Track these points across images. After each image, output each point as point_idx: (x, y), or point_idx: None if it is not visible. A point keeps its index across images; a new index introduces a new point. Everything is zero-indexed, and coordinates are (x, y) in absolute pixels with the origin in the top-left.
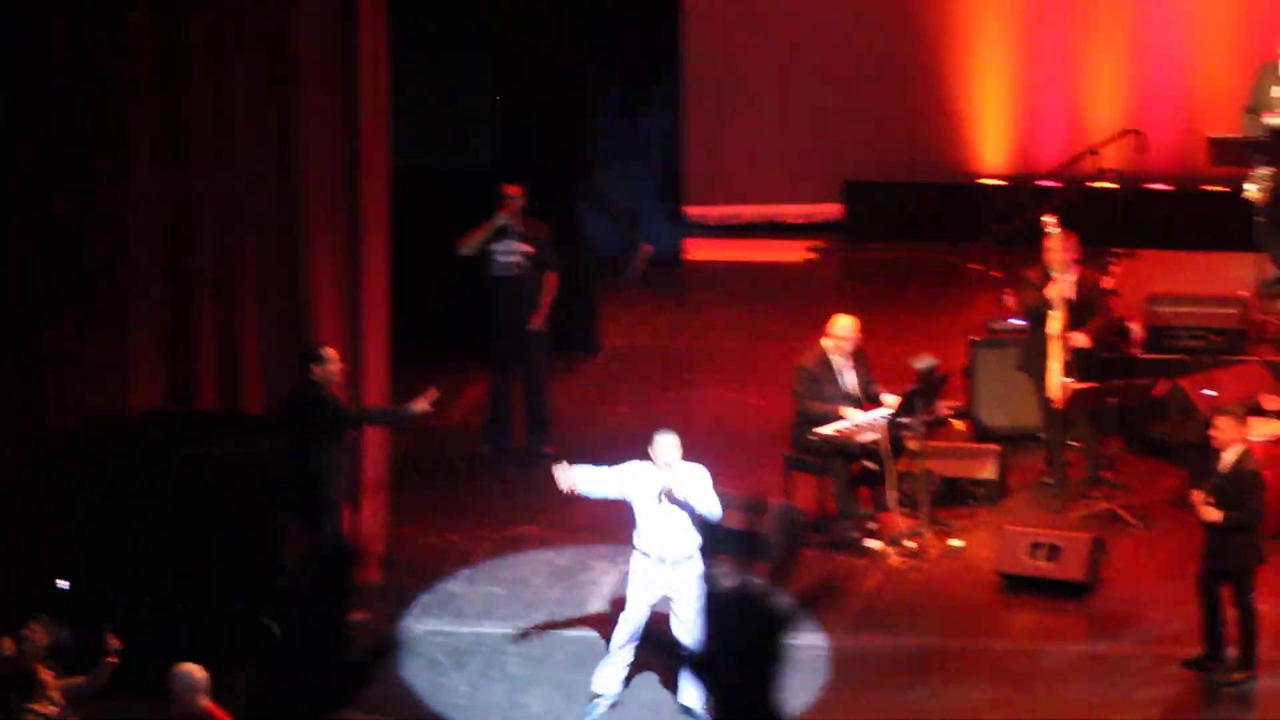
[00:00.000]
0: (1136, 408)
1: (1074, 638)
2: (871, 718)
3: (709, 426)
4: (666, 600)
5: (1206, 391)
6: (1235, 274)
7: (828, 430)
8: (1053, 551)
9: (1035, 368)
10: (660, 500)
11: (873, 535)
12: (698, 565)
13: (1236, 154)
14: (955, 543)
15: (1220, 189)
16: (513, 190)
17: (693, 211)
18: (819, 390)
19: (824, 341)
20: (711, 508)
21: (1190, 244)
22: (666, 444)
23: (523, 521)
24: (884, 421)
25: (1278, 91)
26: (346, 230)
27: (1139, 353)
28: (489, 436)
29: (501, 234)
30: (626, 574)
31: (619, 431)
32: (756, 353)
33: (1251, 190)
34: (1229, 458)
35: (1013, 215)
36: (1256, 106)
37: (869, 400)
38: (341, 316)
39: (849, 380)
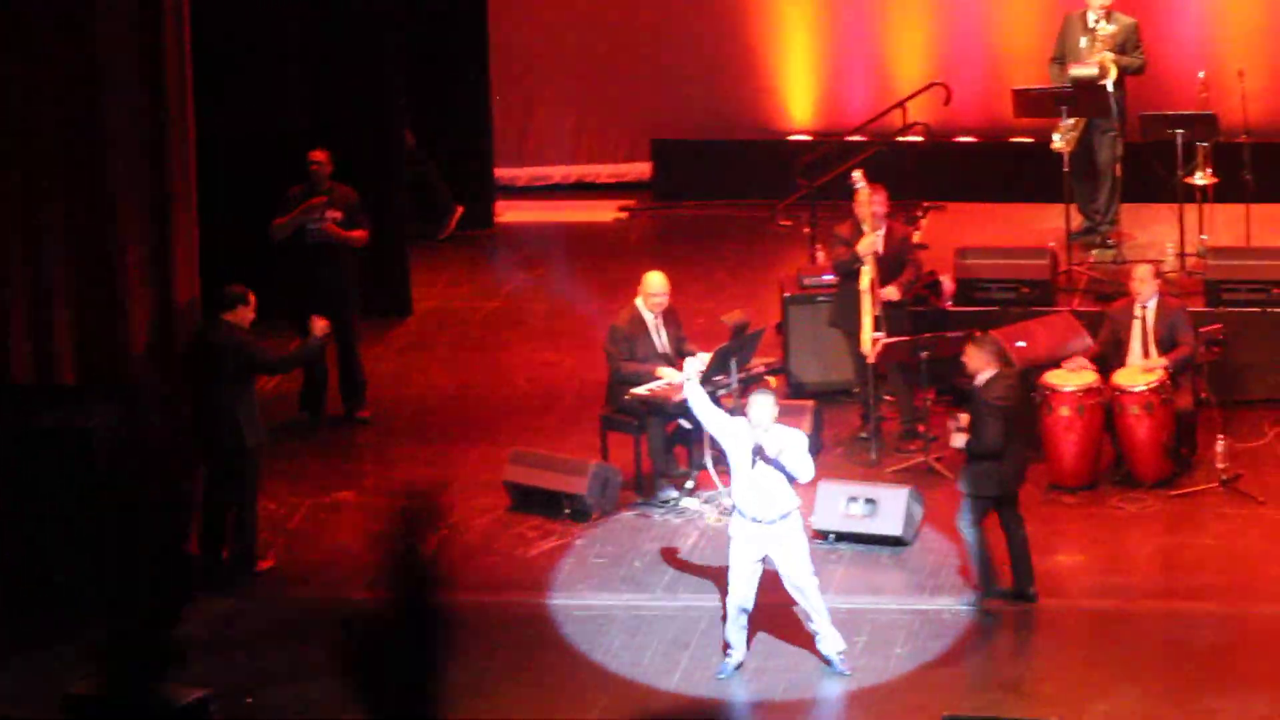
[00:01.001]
0: (949, 360)
1: (892, 591)
2: (691, 677)
3: (523, 389)
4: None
5: (1018, 344)
6: (1044, 225)
7: (642, 390)
8: (869, 505)
9: (847, 323)
10: (754, 460)
11: (690, 494)
12: (796, 523)
13: (1042, 105)
14: None
15: (1027, 140)
16: (318, 156)
17: (502, 173)
18: (633, 350)
19: (637, 301)
20: (803, 470)
21: (998, 196)
22: (762, 405)
23: (340, 488)
24: (699, 380)
25: (1084, 42)
26: (153, 198)
27: (950, 306)
28: (305, 403)
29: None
30: (450, 537)
31: (433, 395)
32: (569, 314)
33: (1058, 141)
34: (977, 385)
35: (822, 171)
36: (1062, 57)
37: (682, 359)
38: (151, 283)
39: (662, 339)
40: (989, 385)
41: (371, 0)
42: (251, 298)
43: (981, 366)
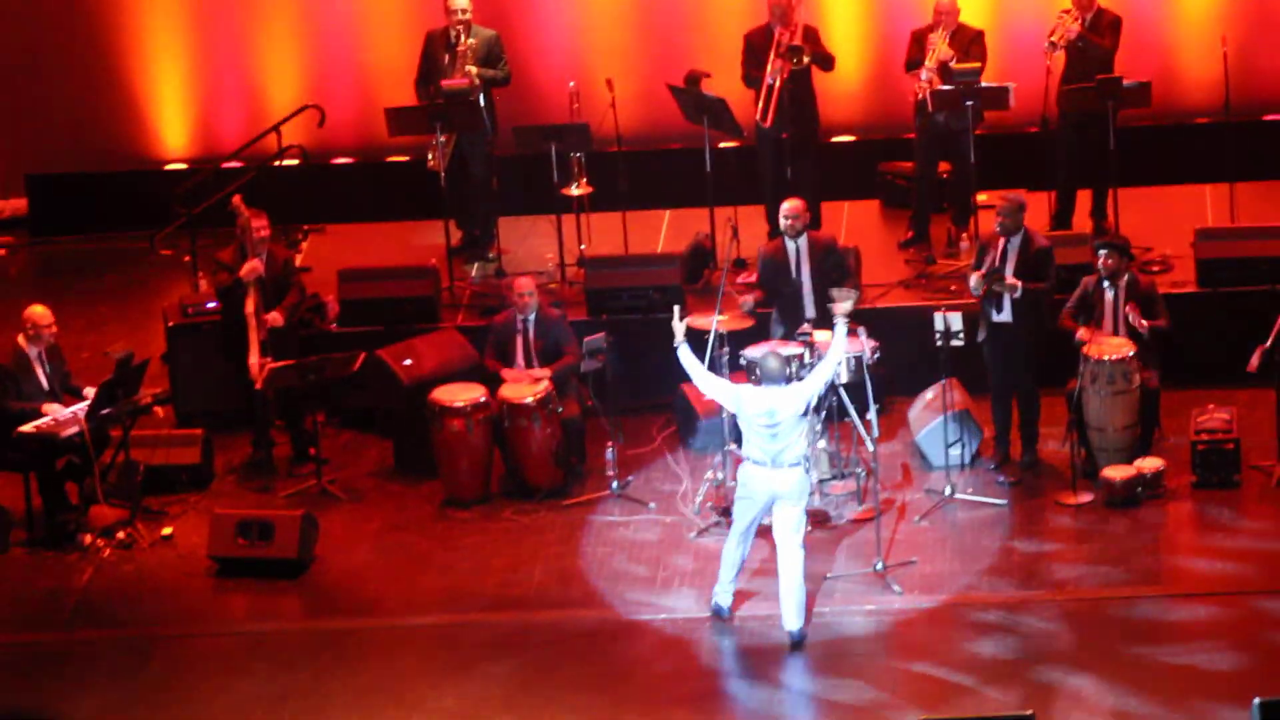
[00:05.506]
0: (337, 382)
1: (292, 617)
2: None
3: None
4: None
5: (405, 362)
6: (424, 243)
7: (29, 427)
8: (264, 531)
9: (233, 349)
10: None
11: (83, 529)
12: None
13: (415, 122)
14: (166, 531)
15: (403, 159)
16: None
17: None
18: (17, 388)
19: (20, 338)
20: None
21: (378, 216)
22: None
23: None
24: (85, 414)
25: (448, 59)
26: None
27: (335, 328)
28: None
29: None
30: None
31: None
32: None
33: (432, 158)
34: None
35: (200, 198)
36: (427, 75)
37: (68, 394)
38: None
39: (53, 375)
40: None
41: None
42: None
43: None
